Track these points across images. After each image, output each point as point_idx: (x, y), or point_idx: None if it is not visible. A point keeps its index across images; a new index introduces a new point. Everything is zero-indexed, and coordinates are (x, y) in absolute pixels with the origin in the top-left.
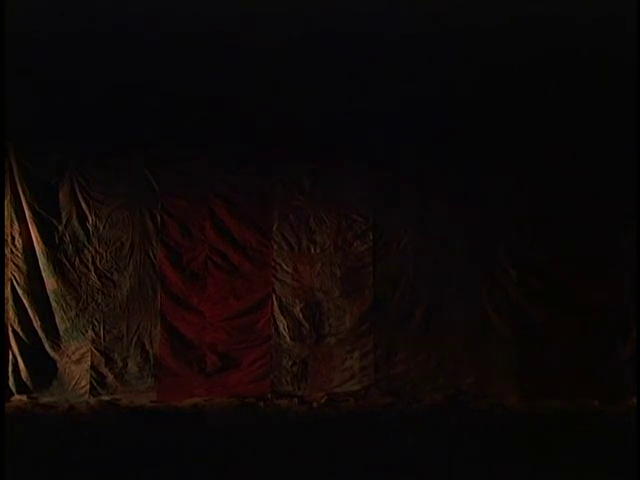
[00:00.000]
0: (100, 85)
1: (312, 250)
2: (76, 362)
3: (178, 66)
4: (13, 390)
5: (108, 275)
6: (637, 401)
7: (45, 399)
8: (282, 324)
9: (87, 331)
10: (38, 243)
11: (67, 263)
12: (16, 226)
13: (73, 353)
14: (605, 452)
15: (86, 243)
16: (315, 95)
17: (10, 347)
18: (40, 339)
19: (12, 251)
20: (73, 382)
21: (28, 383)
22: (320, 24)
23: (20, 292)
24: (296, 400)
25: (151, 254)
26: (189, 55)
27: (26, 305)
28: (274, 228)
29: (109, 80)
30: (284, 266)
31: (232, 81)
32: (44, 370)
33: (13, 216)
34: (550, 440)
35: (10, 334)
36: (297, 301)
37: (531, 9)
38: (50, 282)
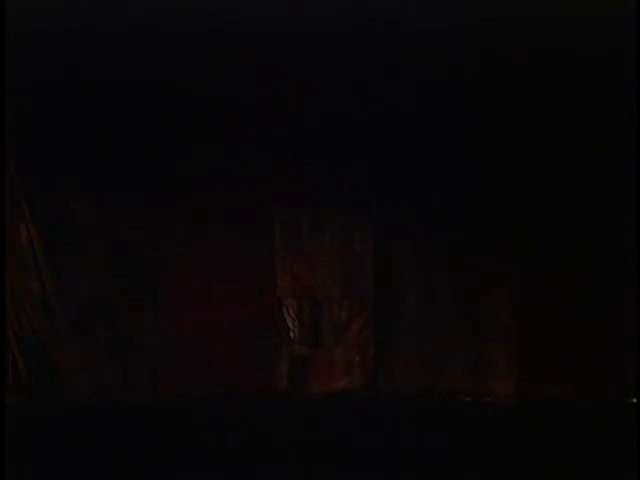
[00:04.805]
0: (102, 84)
1: (312, 250)
2: (77, 362)
3: (184, 70)
4: (13, 390)
5: (109, 274)
6: (637, 400)
7: (45, 399)
8: (282, 324)
9: (88, 331)
10: (38, 243)
11: (67, 263)
12: (16, 226)
13: (74, 353)
14: (605, 451)
15: (87, 242)
16: (314, 95)
17: (10, 347)
18: (40, 339)
19: (12, 251)
20: (73, 382)
21: (28, 383)
22: (317, 27)
23: (20, 292)
24: (296, 400)
25: (153, 253)
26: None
27: (26, 305)
28: (274, 229)
29: (111, 79)
30: (284, 266)
31: (232, 80)
32: (44, 370)
33: (13, 216)
34: (550, 439)
35: (10, 334)
36: (297, 301)
37: (530, 8)
38: (50, 282)
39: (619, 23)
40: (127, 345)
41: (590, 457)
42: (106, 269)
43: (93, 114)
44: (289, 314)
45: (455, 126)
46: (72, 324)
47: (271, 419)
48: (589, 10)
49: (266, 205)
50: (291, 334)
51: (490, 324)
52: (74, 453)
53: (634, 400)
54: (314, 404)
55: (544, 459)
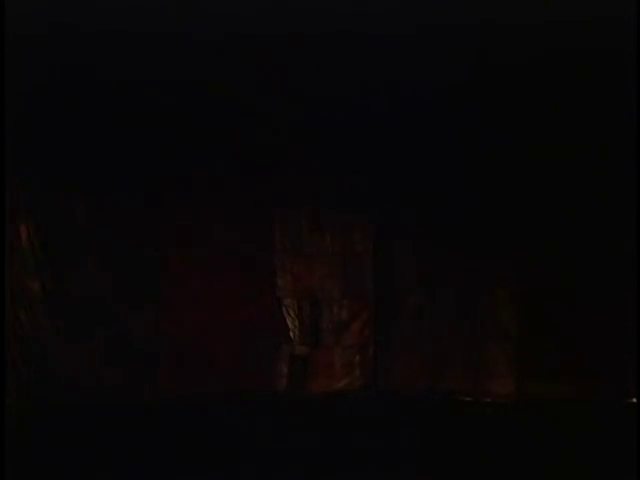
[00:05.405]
0: (102, 84)
1: (312, 250)
2: (77, 362)
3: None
4: (13, 390)
5: (109, 274)
6: (637, 400)
7: (45, 399)
8: (282, 324)
9: (88, 331)
10: (38, 243)
11: (67, 263)
12: (16, 226)
13: (74, 353)
14: (605, 451)
15: (87, 242)
16: (315, 95)
17: (10, 347)
18: (40, 339)
19: (12, 251)
20: (75, 382)
21: (28, 383)
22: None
23: (20, 292)
24: (296, 400)
25: (154, 253)
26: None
27: (26, 305)
28: (274, 229)
29: (111, 79)
30: (284, 267)
31: (232, 81)
32: (44, 370)
33: (13, 216)
34: (550, 439)
35: (10, 334)
36: (297, 301)
37: (530, 10)
38: (50, 282)
39: (619, 24)
40: (127, 345)
41: (590, 457)
42: (106, 269)
43: (93, 114)
44: (289, 314)
45: (455, 126)
46: (72, 324)
47: (271, 419)
48: (589, 11)
49: (266, 205)
50: (291, 334)
51: (490, 324)
52: (74, 453)
53: (634, 400)
54: (314, 404)
55: (544, 459)
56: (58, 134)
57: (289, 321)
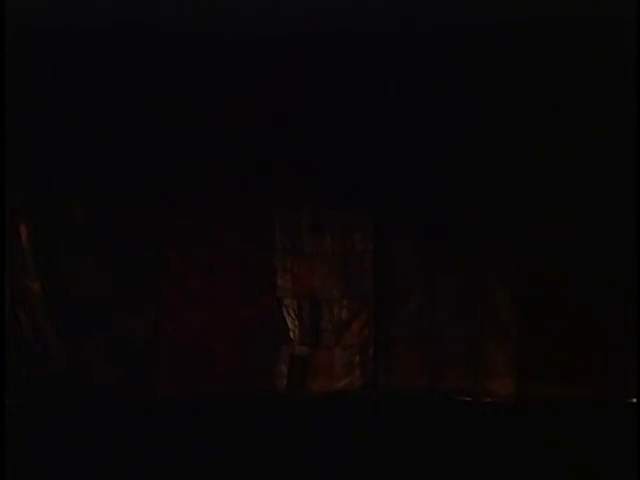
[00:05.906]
0: (101, 84)
1: (312, 250)
2: (77, 362)
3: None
4: (13, 390)
5: (109, 274)
6: (637, 400)
7: (45, 399)
8: (282, 324)
9: (88, 331)
10: (38, 243)
11: (67, 263)
12: (16, 226)
13: (74, 353)
14: (605, 451)
15: (87, 242)
16: (315, 95)
17: (10, 348)
18: (40, 339)
19: (12, 251)
20: (76, 381)
21: (28, 383)
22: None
23: (20, 292)
24: (296, 400)
25: (153, 253)
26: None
27: (26, 305)
28: (274, 229)
29: (111, 79)
30: (284, 267)
31: (232, 81)
32: (44, 370)
33: (13, 216)
34: (550, 439)
35: (10, 335)
36: (297, 301)
37: (530, 8)
38: (50, 282)
39: (619, 23)
40: (127, 345)
41: (590, 457)
42: (106, 269)
43: (93, 114)
44: (289, 314)
45: (455, 126)
46: (72, 324)
47: (271, 419)
48: (589, 10)
49: (266, 205)
50: (291, 334)
51: (490, 324)
52: (74, 453)
53: (634, 400)
54: (314, 404)
55: (544, 459)
56: (58, 134)
57: (289, 321)
